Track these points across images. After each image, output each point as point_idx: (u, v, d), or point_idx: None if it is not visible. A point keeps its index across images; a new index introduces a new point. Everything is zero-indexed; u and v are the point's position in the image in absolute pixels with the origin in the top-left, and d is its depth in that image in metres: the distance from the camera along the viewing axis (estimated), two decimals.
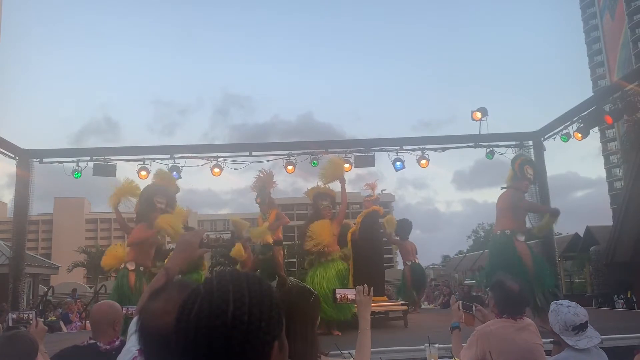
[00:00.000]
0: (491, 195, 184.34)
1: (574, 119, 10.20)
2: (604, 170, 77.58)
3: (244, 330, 0.96)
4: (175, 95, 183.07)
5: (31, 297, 19.67)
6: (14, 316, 5.68)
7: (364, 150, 10.86)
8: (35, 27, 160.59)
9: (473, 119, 10.42)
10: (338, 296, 4.12)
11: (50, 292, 20.56)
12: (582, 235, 19.48)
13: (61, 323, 13.19)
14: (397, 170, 10.73)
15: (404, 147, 10.83)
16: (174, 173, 10.34)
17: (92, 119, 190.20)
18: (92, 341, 3.10)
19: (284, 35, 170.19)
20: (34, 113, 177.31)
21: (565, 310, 2.93)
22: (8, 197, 11.38)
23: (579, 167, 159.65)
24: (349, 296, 2.92)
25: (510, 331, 3.23)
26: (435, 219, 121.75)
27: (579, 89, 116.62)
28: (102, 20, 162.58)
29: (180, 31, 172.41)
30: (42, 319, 11.71)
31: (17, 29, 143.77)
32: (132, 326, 1.80)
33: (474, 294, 18.13)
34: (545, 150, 11.10)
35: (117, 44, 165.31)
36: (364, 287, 2.76)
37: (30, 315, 5.85)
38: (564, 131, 10.42)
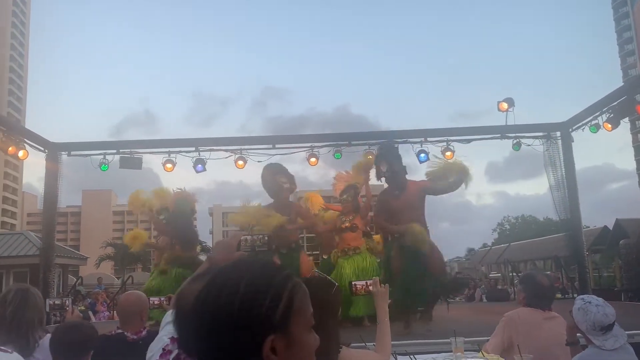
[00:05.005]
0: (523, 187, 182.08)
1: (604, 109, 9.94)
2: (634, 162, 75.68)
3: (232, 316, 0.95)
4: (216, 87, 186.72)
5: (61, 287, 20.13)
6: (51, 302, 5.75)
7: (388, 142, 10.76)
8: (80, 25, 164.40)
9: (499, 110, 10.26)
10: (359, 286, 4.09)
11: (79, 282, 20.99)
12: (611, 228, 19.08)
13: (90, 313, 13.49)
14: (421, 162, 10.59)
15: (428, 139, 10.70)
16: (199, 165, 10.43)
17: (132, 112, 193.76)
18: (120, 331, 3.15)
19: (323, 29, 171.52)
20: (76, 107, 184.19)
21: (594, 310, 2.78)
22: (41, 189, 11.70)
23: (616, 158, 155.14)
24: (370, 288, 2.91)
25: (537, 319, 3.29)
26: (466, 211, 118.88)
27: (608, 78, 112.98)
28: (145, 14, 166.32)
29: (222, 24, 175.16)
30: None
31: (51, 29, 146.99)
32: (167, 317, 1.81)
33: (500, 287, 17.97)
34: (573, 141, 10.86)
35: (159, 36, 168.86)
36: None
37: (67, 302, 5.91)
38: (593, 122, 10.17)
